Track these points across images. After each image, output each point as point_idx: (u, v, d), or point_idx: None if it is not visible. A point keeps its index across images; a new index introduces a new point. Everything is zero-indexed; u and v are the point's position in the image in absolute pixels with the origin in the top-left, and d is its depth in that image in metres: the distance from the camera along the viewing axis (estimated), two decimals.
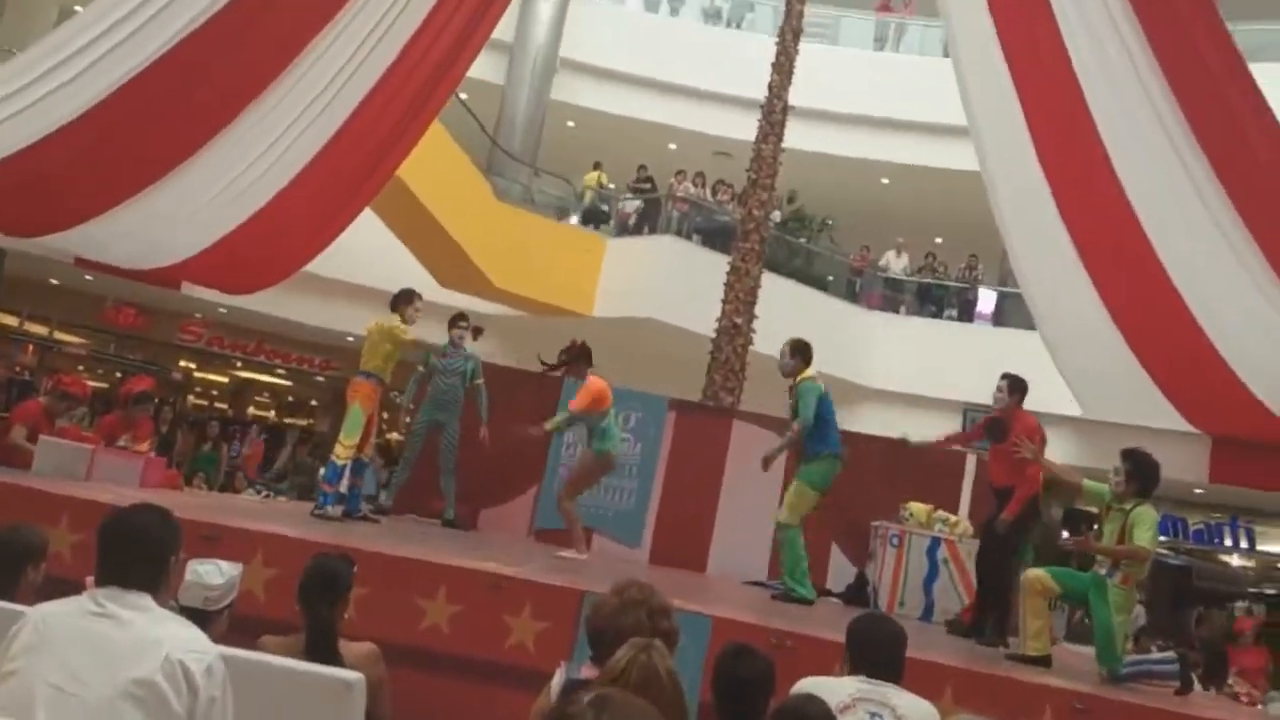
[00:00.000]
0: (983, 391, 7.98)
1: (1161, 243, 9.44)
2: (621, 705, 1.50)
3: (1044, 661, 6.04)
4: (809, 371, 7.70)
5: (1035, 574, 6.30)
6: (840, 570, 9.19)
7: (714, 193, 18.15)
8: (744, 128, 13.05)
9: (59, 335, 19.35)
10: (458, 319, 9.06)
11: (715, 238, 16.73)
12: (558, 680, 3.36)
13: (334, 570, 3.93)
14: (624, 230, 17.97)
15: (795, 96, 12.40)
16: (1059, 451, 12.14)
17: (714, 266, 13.07)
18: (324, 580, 3.87)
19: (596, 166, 19.19)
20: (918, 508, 8.73)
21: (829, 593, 8.96)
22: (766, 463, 7.63)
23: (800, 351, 7.78)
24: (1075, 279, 10.17)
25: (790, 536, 7.46)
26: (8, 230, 10.40)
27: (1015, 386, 7.38)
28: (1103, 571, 6.06)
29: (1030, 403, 7.44)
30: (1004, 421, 7.31)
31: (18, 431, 7.79)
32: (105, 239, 10.38)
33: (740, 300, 11.84)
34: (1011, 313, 16.75)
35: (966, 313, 18.28)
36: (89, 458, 7.23)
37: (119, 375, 18.98)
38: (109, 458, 7.50)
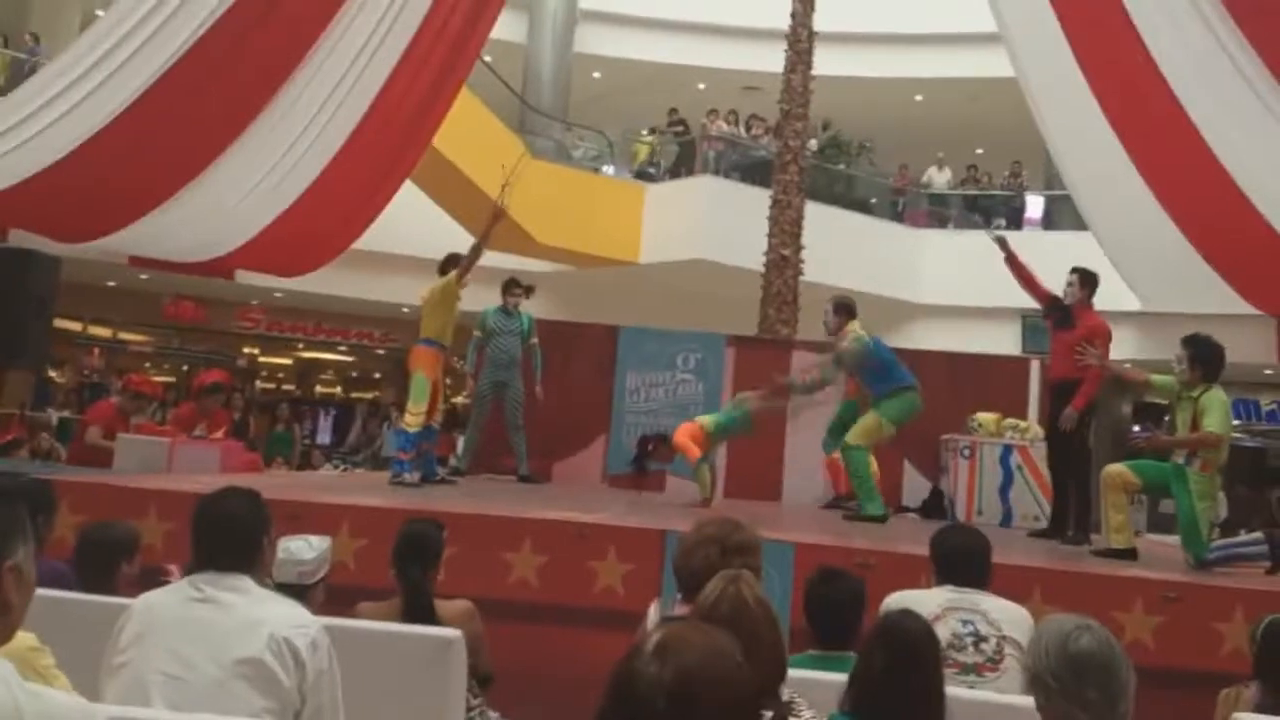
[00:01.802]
0: None
1: (1203, 120, 9.27)
2: (685, 647, 1.50)
3: (1130, 554, 6.03)
4: (854, 326, 7.61)
5: (1115, 468, 6.27)
6: (914, 486, 9.22)
7: (748, 128, 17.98)
8: (772, 60, 12.89)
9: (123, 336, 19.71)
10: (511, 285, 9.15)
11: (754, 173, 16.58)
12: (653, 617, 3.41)
13: (425, 535, 4.02)
14: (661, 176, 17.91)
15: (820, 22, 12.24)
16: (1122, 348, 12.02)
17: (756, 201, 12.99)
18: (417, 545, 3.95)
19: (653, 131, 19.00)
20: (986, 417, 8.72)
21: (905, 509, 8.99)
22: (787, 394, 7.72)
23: (843, 308, 7.71)
24: (1121, 170, 10.02)
25: (857, 457, 7.44)
26: (60, 237, 10.58)
27: (1086, 280, 7.21)
28: (1181, 460, 6.03)
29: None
30: (1069, 311, 7.19)
31: (93, 432, 7.97)
32: (156, 235, 10.55)
33: (785, 232, 11.79)
34: (1061, 215, 16.51)
35: (1015, 220, 18.01)
36: (168, 450, 7.38)
37: (185, 368, 19.34)
38: (187, 448, 7.65)
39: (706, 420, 7.82)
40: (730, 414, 7.92)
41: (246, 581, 2.79)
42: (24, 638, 2.28)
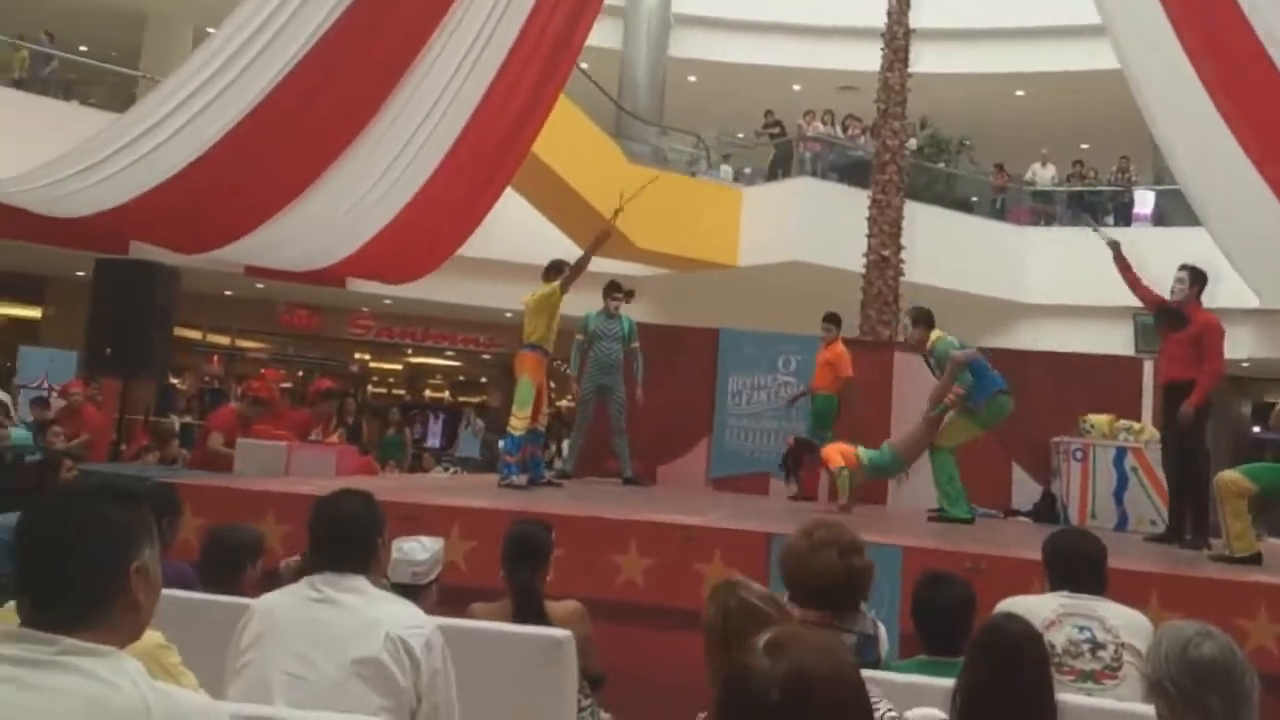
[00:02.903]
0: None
1: None
2: (798, 644, 1.51)
3: (1254, 560, 5.84)
4: (938, 333, 7.61)
5: (1228, 475, 6.07)
6: (1023, 489, 9.07)
7: (844, 128, 17.85)
8: (868, 59, 12.79)
9: (240, 343, 20.34)
10: (612, 289, 9.24)
11: (852, 173, 16.48)
12: None
13: (535, 536, 4.08)
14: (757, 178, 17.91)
15: (917, 19, 12.10)
16: (1238, 347, 11.68)
17: (854, 202, 12.91)
18: (526, 546, 4.01)
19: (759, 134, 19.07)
20: (1098, 419, 8.53)
21: (1016, 512, 8.85)
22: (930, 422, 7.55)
23: (921, 319, 7.69)
24: (1230, 154, 9.71)
25: (940, 458, 7.44)
26: (179, 249, 10.93)
27: (1196, 278, 7.02)
28: None
29: (1204, 300, 7.13)
30: (1181, 312, 6.98)
31: (215, 439, 8.22)
32: (270, 245, 10.82)
33: (885, 233, 11.72)
34: (1173, 211, 16.08)
35: (1124, 216, 17.61)
36: (285, 454, 7.57)
37: (300, 374, 19.87)
38: (304, 452, 7.82)
39: (863, 451, 7.73)
40: (883, 454, 7.81)
41: (363, 582, 2.85)
42: (152, 636, 2.36)
